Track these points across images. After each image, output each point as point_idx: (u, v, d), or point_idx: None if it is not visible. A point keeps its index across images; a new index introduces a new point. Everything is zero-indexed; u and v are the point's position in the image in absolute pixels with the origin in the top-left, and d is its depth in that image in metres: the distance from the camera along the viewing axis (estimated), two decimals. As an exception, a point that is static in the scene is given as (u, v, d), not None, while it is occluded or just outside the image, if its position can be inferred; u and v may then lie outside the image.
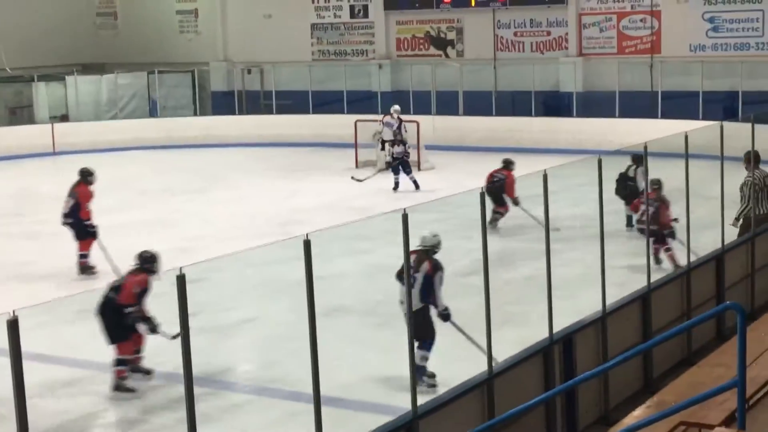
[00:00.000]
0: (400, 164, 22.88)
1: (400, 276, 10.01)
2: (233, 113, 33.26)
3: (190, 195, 22.87)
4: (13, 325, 4.78)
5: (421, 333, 10.12)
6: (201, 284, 12.22)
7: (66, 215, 16.35)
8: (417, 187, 22.43)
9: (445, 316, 10.50)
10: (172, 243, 17.79)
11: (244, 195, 22.77)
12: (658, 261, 13.83)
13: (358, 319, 13.03)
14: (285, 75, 33.45)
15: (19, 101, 32.95)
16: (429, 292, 10.45)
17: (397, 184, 22.65)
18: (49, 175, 27.74)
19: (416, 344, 9.73)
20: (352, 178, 23.55)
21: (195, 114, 33.75)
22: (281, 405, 10.36)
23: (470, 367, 8.87)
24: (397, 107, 25.53)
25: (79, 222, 16.34)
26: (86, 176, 16.71)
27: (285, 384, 10.66)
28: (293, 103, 32.45)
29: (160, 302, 12.91)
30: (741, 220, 13.83)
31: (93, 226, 16.28)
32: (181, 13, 36.07)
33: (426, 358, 10.16)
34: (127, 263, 15.89)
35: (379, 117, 26.66)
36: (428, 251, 10.66)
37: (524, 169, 20.24)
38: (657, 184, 14.35)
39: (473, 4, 31.04)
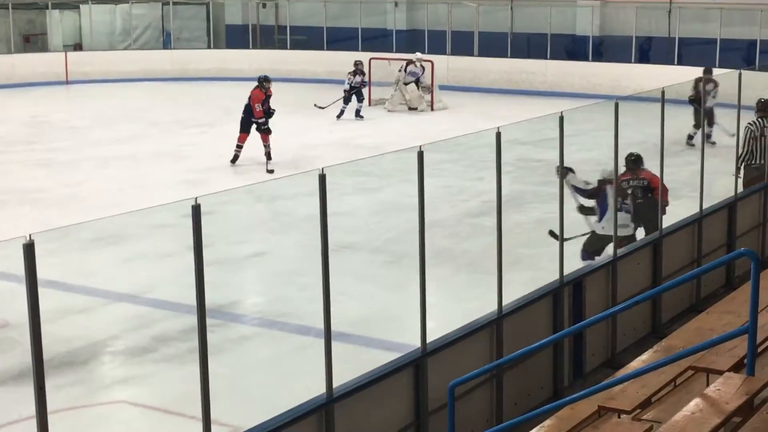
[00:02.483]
0: (355, 93, 24.11)
1: None
2: (247, 47, 33.08)
3: (202, 128, 22.84)
4: (29, 249, 4.78)
5: None
6: (212, 216, 12.27)
7: (244, 112, 18.82)
8: (359, 117, 24.09)
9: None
10: (182, 175, 17.85)
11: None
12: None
13: (367, 257, 13.07)
14: (300, 10, 33.24)
15: (33, 29, 32.82)
16: None
17: (342, 112, 23.92)
18: (61, 104, 27.77)
19: None
20: (315, 105, 24.37)
21: (209, 47, 33.57)
22: (289, 338, 10.42)
23: (480, 306, 8.90)
24: (419, 54, 25.71)
25: (248, 118, 18.65)
26: (261, 82, 18.89)
27: (293, 318, 10.72)
28: (308, 39, 32.27)
29: (169, 233, 13.02)
30: (742, 168, 13.48)
31: (258, 124, 18.61)
32: (196, -57, 35.80)
33: None
34: (138, 195, 16.06)
35: (394, 56, 26.61)
36: None
37: (538, 111, 20.18)
38: None
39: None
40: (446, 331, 8.09)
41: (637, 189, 11.32)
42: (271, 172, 18.00)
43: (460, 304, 10.21)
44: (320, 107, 24.21)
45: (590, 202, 11.10)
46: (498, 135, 8.08)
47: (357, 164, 15.76)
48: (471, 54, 30.06)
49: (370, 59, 26.56)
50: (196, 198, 5.87)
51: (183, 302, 10.57)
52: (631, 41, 28.01)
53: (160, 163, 19.34)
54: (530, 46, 29.69)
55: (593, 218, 11.06)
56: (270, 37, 33.83)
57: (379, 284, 11.97)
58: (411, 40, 31.07)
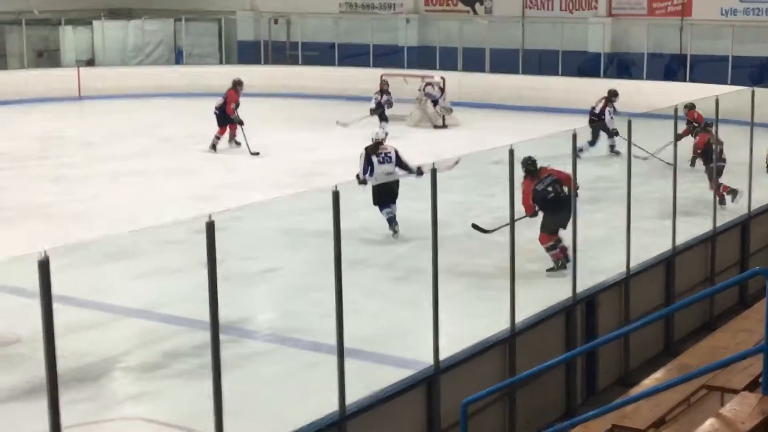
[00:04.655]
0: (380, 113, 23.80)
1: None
2: (259, 63, 33.14)
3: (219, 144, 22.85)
4: (44, 265, 4.79)
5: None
6: (224, 233, 12.27)
7: (216, 107, 21.84)
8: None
9: (421, 171, 13.43)
10: (193, 191, 17.87)
11: (267, 145, 22.74)
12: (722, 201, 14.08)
13: (379, 272, 13.05)
14: (312, 26, 33.31)
15: (46, 45, 32.94)
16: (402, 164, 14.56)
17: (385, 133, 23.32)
18: (73, 119, 27.85)
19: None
20: (337, 122, 24.11)
21: (221, 63, 33.66)
22: (301, 355, 10.39)
23: (492, 323, 8.89)
24: (437, 78, 25.85)
25: (223, 114, 21.68)
26: (236, 85, 22.00)
27: (305, 334, 10.70)
28: (319, 55, 32.33)
29: (180, 248, 13.02)
30: None
31: (230, 119, 21.74)
32: (208, -39, 35.94)
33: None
34: (150, 211, 16.08)
35: (405, 72, 26.66)
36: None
37: (550, 128, 20.16)
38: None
39: (503, -40, 30.80)
40: (458, 348, 8.08)
41: (551, 185, 12.28)
42: (256, 153, 21.17)
43: (471, 321, 10.17)
44: (343, 124, 24.02)
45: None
46: (511, 152, 8.08)
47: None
48: (482, 70, 30.06)
49: (381, 75, 26.58)
50: (209, 215, 5.87)
51: (195, 318, 10.57)
52: (642, 58, 28.00)
53: (171, 179, 19.37)
54: (541, 62, 29.68)
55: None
56: (282, 53, 33.90)
57: (390, 300, 11.94)
58: (422, 57, 31.10)
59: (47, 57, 33.00)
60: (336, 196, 6.49)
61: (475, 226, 11.80)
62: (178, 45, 33.96)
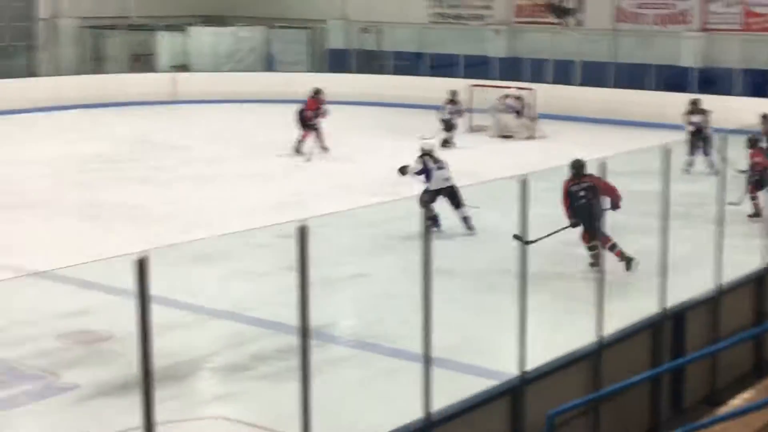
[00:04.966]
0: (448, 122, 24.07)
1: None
2: (348, 71, 33.37)
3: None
4: (142, 265, 4.91)
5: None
6: (311, 238, 12.39)
7: (297, 112, 22.80)
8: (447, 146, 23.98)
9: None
10: (278, 196, 18.09)
11: (355, 153, 22.92)
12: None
13: (464, 282, 13.05)
14: (401, 36, 33.44)
15: (142, 49, 33.58)
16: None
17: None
18: (166, 123, 28.35)
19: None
20: (421, 138, 23.76)
21: (310, 70, 33.95)
22: (383, 361, 10.44)
23: (578, 336, 8.84)
24: (516, 90, 25.80)
25: (303, 119, 22.57)
26: (314, 93, 23.08)
27: (388, 341, 10.75)
28: (408, 64, 32.43)
29: (267, 253, 13.20)
30: None
31: (312, 124, 22.61)
32: (302, -31, 36.29)
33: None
34: (236, 214, 16.32)
35: (494, 83, 26.59)
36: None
37: (639, 142, 20.02)
38: None
39: (597, -27, 30.58)
40: (542, 360, 8.06)
41: (585, 190, 12.86)
42: (307, 158, 21.63)
43: (557, 333, 10.13)
44: (425, 139, 23.85)
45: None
46: (603, 166, 8.04)
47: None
48: (572, 83, 29.90)
49: (471, 86, 26.60)
50: (302, 220, 5.95)
51: (280, 321, 10.70)
52: (735, 73, 27.57)
53: (258, 183, 19.63)
54: (632, 76, 29.41)
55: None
56: (371, 61, 34.10)
57: (475, 309, 11.93)
58: (512, 68, 31.02)
59: (143, 62, 33.66)
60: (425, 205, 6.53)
61: (516, 237, 12.01)
62: (269, 52, 34.37)
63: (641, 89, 28.66)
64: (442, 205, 15.10)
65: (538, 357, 8.85)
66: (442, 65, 31.56)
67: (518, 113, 25.65)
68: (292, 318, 6.64)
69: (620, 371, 8.18)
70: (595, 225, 12.53)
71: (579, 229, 13.04)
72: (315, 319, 10.82)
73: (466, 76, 29.79)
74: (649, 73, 28.58)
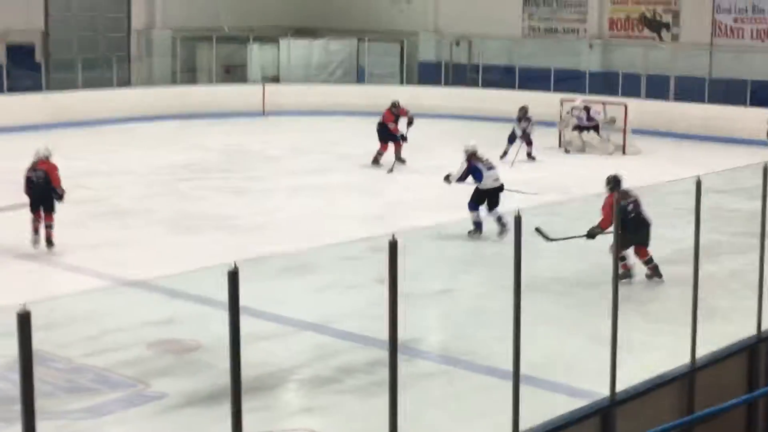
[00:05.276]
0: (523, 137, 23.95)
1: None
2: (439, 84, 33.34)
3: (391, 163, 23.09)
4: (233, 277, 4.92)
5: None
6: (401, 252, 12.37)
7: (377, 124, 23.13)
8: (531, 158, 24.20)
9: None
10: (370, 208, 18.13)
11: (445, 166, 22.78)
12: None
13: (554, 299, 12.90)
14: (493, 49, 33.29)
15: (234, 61, 33.98)
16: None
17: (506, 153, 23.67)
18: (257, 134, 28.61)
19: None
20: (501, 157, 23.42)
21: (401, 83, 34.01)
22: (471, 378, 10.36)
23: (669, 358, 8.67)
24: (580, 102, 25.51)
25: (382, 130, 22.90)
26: (393, 106, 23.42)
27: (476, 357, 10.65)
28: (500, 77, 32.29)
29: (357, 265, 13.21)
30: None
31: (392, 135, 22.85)
32: (394, -18, 36.40)
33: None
34: (327, 226, 16.39)
35: (586, 97, 26.33)
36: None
37: (735, 160, 19.62)
38: None
39: (693, -14, 30.13)
40: (633, 381, 7.91)
41: (633, 204, 13.11)
42: (390, 171, 21.92)
43: (649, 354, 9.94)
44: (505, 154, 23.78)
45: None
46: (698, 183, 7.88)
47: (549, 206, 15.68)
48: (666, 98, 29.45)
49: (561, 100, 26.37)
50: (393, 234, 5.93)
51: (368, 335, 10.69)
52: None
53: (348, 195, 19.68)
54: (728, 92, 28.85)
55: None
56: (462, 74, 34.03)
57: (564, 327, 11.77)
58: (605, 82, 30.67)
59: (234, 73, 34.05)
60: (518, 221, 6.46)
61: (538, 230, 13.07)
62: (360, 64, 34.50)
63: (737, 105, 28.10)
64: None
65: (629, 377, 8.71)
66: (532, 79, 31.33)
67: (587, 128, 25.28)
68: (381, 331, 6.63)
69: (714, 395, 7.99)
70: (647, 237, 13.11)
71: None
72: (403, 333, 10.81)
73: (557, 90, 29.54)
74: (745, 88, 28.00)
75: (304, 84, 33.22)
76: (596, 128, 25.26)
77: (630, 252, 13.12)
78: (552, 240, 13.04)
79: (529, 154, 23.96)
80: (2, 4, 29.70)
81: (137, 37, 33.21)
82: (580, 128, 25.26)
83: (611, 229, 12.25)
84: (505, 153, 23.55)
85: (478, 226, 15.59)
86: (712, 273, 13.39)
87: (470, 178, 15.98)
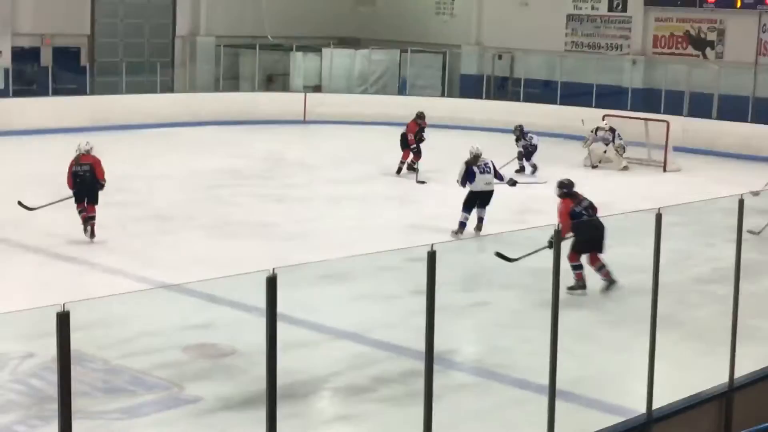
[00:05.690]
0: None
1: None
2: (480, 97, 33.31)
3: (430, 174, 23.08)
4: (271, 283, 4.95)
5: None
6: (438, 263, 12.36)
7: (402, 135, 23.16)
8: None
9: (513, 181, 18.13)
10: (408, 219, 18.12)
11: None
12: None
13: (590, 315, 12.85)
14: (535, 63, 33.26)
15: (277, 69, 34.16)
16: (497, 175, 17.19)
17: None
18: (298, 142, 28.74)
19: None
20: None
21: (443, 95, 34.02)
22: (506, 391, 10.33)
23: (707, 378, 8.60)
24: (606, 122, 25.42)
25: (404, 140, 22.96)
26: (416, 117, 23.30)
27: (511, 370, 10.63)
28: (540, 92, 32.22)
29: (394, 275, 13.20)
30: None
31: (413, 147, 22.98)
32: (438, -6, 36.47)
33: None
34: (365, 235, 16.40)
35: (628, 114, 26.24)
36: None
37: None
38: None
39: (738, 5, 29.88)
40: (670, 399, 7.85)
41: (587, 209, 13.40)
42: (422, 182, 22.07)
43: (685, 373, 9.88)
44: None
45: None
46: (741, 202, 7.83)
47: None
48: (709, 116, 29.25)
49: (603, 116, 26.27)
50: (432, 245, 5.93)
51: (403, 345, 10.69)
52: None
53: (387, 205, 19.70)
54: (772, 111, 28.64)
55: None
56: (503, 88, 34.01)
57: (600, 344, 11.72)
58: (647, 99, 30.54)
59: (277, 81, 34.22)
60: (557, 235, 6.45)
61: (498, 254, 13.29)
62: (402, 75, 34.56)
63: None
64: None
65: (666, 396, 8.65)
66: (574, 94, 31.24)
67: (610, 143, 25.23)
68: (416, 342, 6.63)
69: (752, 416, 7.92)
70: (602, 242, 13.01)
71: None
72: (439, 344, 10.79)
73: (598, 106, 29.41)
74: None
75: (346, 93, 33.30)
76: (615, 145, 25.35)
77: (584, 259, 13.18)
78: (515, 260, 13.02)
79: (522, 168, 23.83)
80: (50, 9, 30.08)
81: (181, 43, 33.50)
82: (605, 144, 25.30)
83: (570, 234, 12.76)
84: (522, 168, 23.60)
85: (461, 225, 16.90)
86: (752, 292, 13.28)
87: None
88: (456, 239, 16.44)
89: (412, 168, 22.83)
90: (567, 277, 13.45)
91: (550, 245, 12.30)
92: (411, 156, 23.00)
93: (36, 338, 9.77)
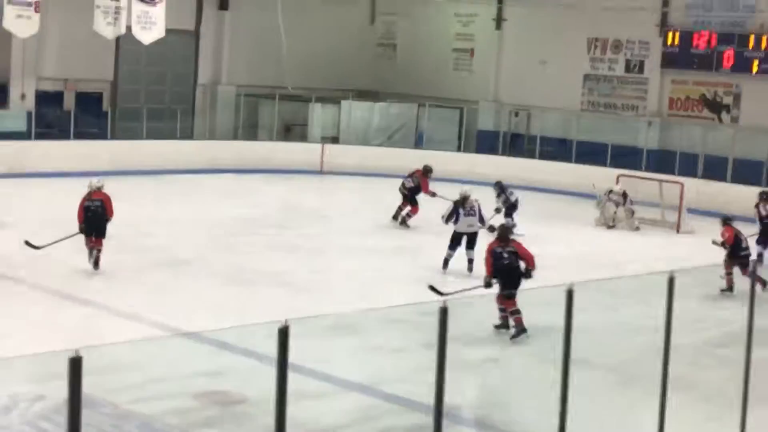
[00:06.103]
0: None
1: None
2: (496, 153, 33.49)
3: (443, 227, 23.16)
4: (283, 333, 5.02)
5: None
6: (450, 317, 12.40)
7: (409, 188, 23.71)
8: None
9: (492, 227, 17.91)
10: (420, 272, 18.15)
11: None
12: None
13: (601, 374, 12.85)
14: (551, 121, 33.44)
15: (296, 119, 34.40)
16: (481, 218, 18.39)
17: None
18: (314, 192, 28.89)
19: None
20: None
21: (459, 150, 34.19)
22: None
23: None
24: (618, 187, 25.52)
25: (413, 195, 23.60)
26: (426, 172, 24.11)
27: (517, 427, 10.64)
28: (556, 149, 32.38)
29: (404, 328, 13.25)
30: None
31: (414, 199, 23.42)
32: (457, 51, 36.65)
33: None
34: (377, 287, 16.43)
35: (643, 174, 26.30)
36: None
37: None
38: None
39: (755, 70, 30.04)
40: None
41: (509, 254, 14.15)
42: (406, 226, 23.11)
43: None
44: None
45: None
46: (754, 265, 7.88)
47: (599, 282, 15.65)
48: (723, 179, 29.30)
49: (618, 176, 26.38)
50: (444, 300, 6.01)
51: (411, 398, 10.72)
52: None
53: (400, 258, 19.78)
54: (788, 176, 28.70)
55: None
56: (519, 145, 34.18)
57: (610, 404, 11.72)
58: (661, 160, 30.62)
59: (295, 131, 34.46)
60: (570, 294, 6.51)
61: (431, 288, 14.36)
62: (419, 129, 34.78)
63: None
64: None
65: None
66: (589, 153, 31.36)
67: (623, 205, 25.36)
68: (425, 396, 6.66)
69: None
70: (516, 286, 13.88)
71: (495, 291, 14.12)
72: (446, 398, 10.84)
73: (613, 166, 29.52)
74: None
75: (363, 146, 33.51)
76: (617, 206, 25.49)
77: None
78: (445, 294, 13.46)
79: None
80: (74, 55, 30.41)
81: (202, 91, 33.82)
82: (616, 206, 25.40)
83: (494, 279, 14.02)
84: (513, 225, 23.69)
85: (445, 262, 18.17)
86: (765, 358, 13.28)
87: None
88: (443, 274, 17.79)
89: (404, 222, 23.31)
90: (580, 336, 13.49)
91: (486, 285, 14.05)
92: (409, 209, 23.45)
93: (47, 380, 9.83)
